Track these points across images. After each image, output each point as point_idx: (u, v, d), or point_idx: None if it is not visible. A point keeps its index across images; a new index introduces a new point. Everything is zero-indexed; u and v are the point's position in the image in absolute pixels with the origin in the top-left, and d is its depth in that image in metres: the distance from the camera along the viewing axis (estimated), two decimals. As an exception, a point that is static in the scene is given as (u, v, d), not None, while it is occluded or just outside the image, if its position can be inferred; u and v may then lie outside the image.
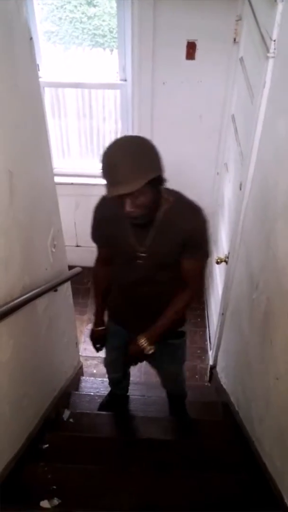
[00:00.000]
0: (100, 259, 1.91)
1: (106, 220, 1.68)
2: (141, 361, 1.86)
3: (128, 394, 2.62)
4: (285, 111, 1.62)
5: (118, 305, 1.93)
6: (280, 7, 1.64)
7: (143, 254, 1.65)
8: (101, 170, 1.41)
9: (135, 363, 1.88)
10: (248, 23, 2.41)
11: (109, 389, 2.82)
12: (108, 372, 2.38)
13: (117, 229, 1.64)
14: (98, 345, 2.10)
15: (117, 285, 1.88)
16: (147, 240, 1.62)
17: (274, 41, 1.72)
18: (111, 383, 2.50)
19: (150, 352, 1.75)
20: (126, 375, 2.46)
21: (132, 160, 1.36)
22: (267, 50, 1.76)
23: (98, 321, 2.04)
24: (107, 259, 1.85)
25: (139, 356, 1.79)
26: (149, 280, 1.72)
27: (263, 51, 1.83)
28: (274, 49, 1.73)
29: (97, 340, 2.08)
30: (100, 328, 2.05)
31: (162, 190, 1.53)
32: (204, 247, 1.66)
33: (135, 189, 1.36)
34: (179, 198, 1.61)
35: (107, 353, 2.21)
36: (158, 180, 1.44)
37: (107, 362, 2.30)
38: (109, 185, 1.40)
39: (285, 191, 1.60)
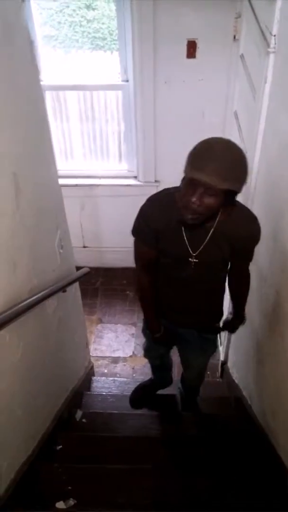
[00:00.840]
0: (144, 265, 1.80)
1: (155, 218, 1.62)
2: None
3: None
4: (287, 106, 1.62)
5: (167, 302, 1.91)
6: (279, 2, 1.65)
7: (195, 260, 1.63)
8: (194, 151, 1.38)
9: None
10: (247, 20, 2.42)
11: (121, 388, 2.86)
12: (148, 357, 2.42)
13: (170, 232, 1.61)
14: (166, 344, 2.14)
15: (165, 283, 1.85)
16: (201, 246, 1.60)
17: (274, 36, 1.73)
18: (154, 369, 2.53)
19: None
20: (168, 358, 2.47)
21: (232, 160, 1.35)
22: (268, 45, 1.77)
23: (157, 328, 1.97)
24: (152, 264, 1.77)
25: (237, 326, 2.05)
26: (198, 279, 1.72)
27: (263, 46, 1.84)
28: (275, 44, 1.75)
29: (164, 342, 2.06)
30: (162, 333, 1.98)
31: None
32: (253, 252, 1.70)
33: (218, 187, 1.33)
34: (238, 207, 1.56)
35: (148, 338, 2.18)
36: (233, 195, 1.42)
37: (148, 347, 2.28)
38: (196, 167, 1.34)
39: (290, 185, 1.61)
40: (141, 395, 2.60)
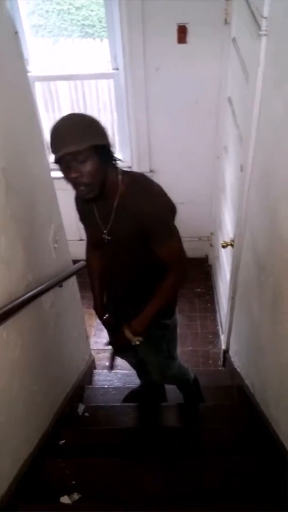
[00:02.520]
0: (88, 242, 1.90)
1: (78, 200, 1.73)
2: (127, 350, 1.86)
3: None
4: (281, 88, 1.59)
5: (106, 287, 1.93)
6: (269, -17, 1.60)
7: (107, 237, 1.64)
8: (50, 144, 1.41)
9: (122, 352, 1.91)
10: (238, 3, 2.36)
11: (123, 380, 2.85)
12: (127, 359, 2.36)
13: (87, 209, 1.67)
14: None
15: (104, 270, 1.88)
16: (109, 222, 1.61)
17: (266, 18, 1.69)
18: (135, 369, 2.46)
19: (137, 342, 1.73)
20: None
21: (76, 126, 1.40)
22: (259, 28, 1.73)
23: (101, 311, 1.96)
24: (92, 242, 1.86)
25: (125, 346, 1.78)
26: (117, 260, 1.72)
27: (255, 29, 1.80)
28: (266, 26, 1.70)
29: (111, 327, 1.96)
30: (106, 317, 1.96)
31: (115, 168, 1.53)
32: (168, 230, 1.58)
33: (81, 149, 1.36)
34: (134, 180, 1.56)
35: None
36: (104, 150, 1.43)
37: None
38: (54, 150, 1.39)
39: (285, 170, 1.58)
40: (131, 400, 2.56)
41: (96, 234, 1.68)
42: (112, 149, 1.47)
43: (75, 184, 1.45)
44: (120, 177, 1.54)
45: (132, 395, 2.59)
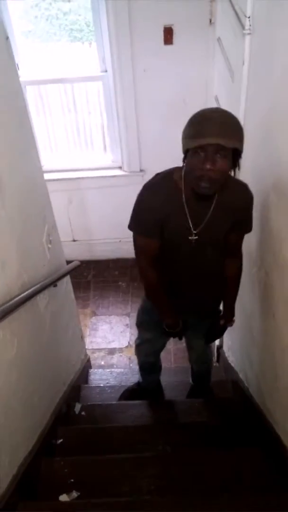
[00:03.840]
0: (150, 260, 1.72)
1: (158, 206, 1.57)
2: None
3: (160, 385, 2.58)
4: (266, 86, 1.63)
5: (175, 293, 1.84)
6: (251, -18, 1.64)
7: (195, 238, 1.62)
8: (190, 125, 1.39)
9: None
10: (222, 3, 2.41)
11: (118, 379, 2.87)
12: (142, 354, 2.34)
13: (171, 211, 1.57)
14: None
15: (170, 274, 1.80)
16: (204, 220, 1.59)
17: (249, 17, 1.73)
18: (143, 370, 2.45)
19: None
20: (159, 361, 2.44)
21: (231, 119, 1.37)
22: (243, 27, 1.77)
23: (174, 321, 1.89)
24: (153, 253, 1.70)
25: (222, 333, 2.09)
26: (199, 258, 1.70)
27: (239, 28, 1.84)
28: (250, 25, 1.74)
29: (181, 333, 1.97)
30: (179, 327, 1.92)
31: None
32: (251, 220, 1.70)
33: (231, 146, 1.33)
34: (228, 177, 1.52)
35: (146, 332, 2.14)
36: (238, 156, 1.40)
37: (144, 341, 2.21)
38: (201, 134, 1.33)
39: (274, 165, 1.62)
40: (129, 397, 2.58)
41: (177, 237, 1.63)
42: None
43: (202, 176, 1.39)
44: None
45: (128, 393, 2.61)
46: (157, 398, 2.55)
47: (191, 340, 2.21)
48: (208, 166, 1.35)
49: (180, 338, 2.01)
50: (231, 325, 2.02)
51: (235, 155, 1.39)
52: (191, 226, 1.59)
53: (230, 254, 1.80)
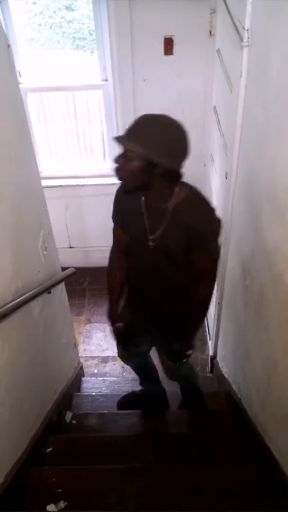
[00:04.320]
0: (117, 248, 1.87)
1: (127, 200, 1.67)
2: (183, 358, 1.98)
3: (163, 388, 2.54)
4: (262, 98, 1.63)
5: (133, 297, 1.92)
6: (250, -4, 1.66)
7: (152, 243, 1.66)
8: None
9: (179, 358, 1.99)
10: (222, 15, 2.43)
11: (111, 388, 2.85)
12: (130, 365, 2.38)
13: (134, 210, 1.66)
14: (122, 342, 2.06)
15: (131, 276, 1.88)
16: (159, 228, 1.63)
17: (247, 30, 1.74)
18: (139, 375, 2.46)
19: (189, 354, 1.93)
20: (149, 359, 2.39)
21: (150, 128, 1.43)
22: (241, 40, 1.78)
23: (115, 318, 1.98)
24: (123, 244, 1.82)
25: (183, 357, 1.96)
26: (159, 271, 1.73)
27: (237, 41, 1.85)
28: (248, 38, 1.75)
29: (121, 337, 2.03)
30: (118, 324, 1.97)
31: (174, 180, 1.55)
32: (214, 242, 1.65)
33: (128, 148, 1.42)
34: (193, 193, 1.61)
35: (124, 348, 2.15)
36: (157, 166, 1.44)
37: (124, 356, 2.25)
38: (124, 133, 1.46)
39: (268, 176, 1.62)
40: (130, 402, 2.56)
41: (138, 238, 1.69)
42: (172, 169, 1.49)
43: (115, 169, 1.51)
44: (178, 187, 1.58)
45: (132, 397, 2.57)
46: (160, 406, 2.52)
47: (162, 362, 2.18)
48: (115, 161, 1.49)
49: (126, 346, 2.06)
50: (187, 352, 1.93)
51: (151, 164, 1.43)
52: (148, 229, 1.65)
53: (196, 276, 1.72)
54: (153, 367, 2.41)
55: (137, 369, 2.42)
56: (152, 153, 1.41)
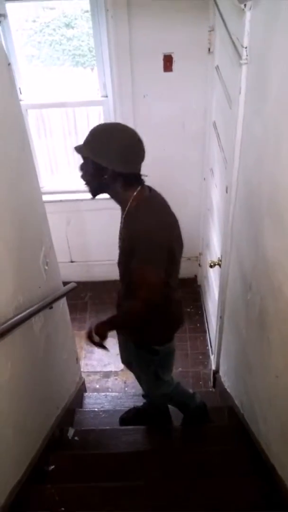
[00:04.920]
0: None
1: None
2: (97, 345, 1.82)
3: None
4: (261, 114, 1.65)
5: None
6: (248, 15, 1.68)
7: (119, 242, 1.80)
8: None
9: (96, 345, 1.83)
10: (220, 33, 2.47)
11: (113, 403, 2.83)
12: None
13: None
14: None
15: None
16: (122, 231, 1.77)
17: (246, 48, 1.76)
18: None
19: (97, 340, 1.78)
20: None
21: (97, 132, 1.61)
22: (240, 57, 1.80)
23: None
24: None
25: (89, 340, 1.81)
26: (119, 270, 1.85)
27: (236, 58, 1.87)
28: (246, 55, 1.77)
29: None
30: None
31: (134, 186, 1.66)
32: (146, 256, 1.58)
33: (77, 151, 1.62)
34: (145, 201, 1.68)
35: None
36: (103, 169, 1.58)
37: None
38: None
39: (268, 191, 1.63)
40: (132, 417, 2.55)
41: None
42: (117, 174, 1.60)
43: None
44: (134, 193, 1.67)
45: (134, 412, 2.56)
46: (162, 422, 2.49)
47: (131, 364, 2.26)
48: (79, 169, 1.69)
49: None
50: (88, 338, 1.81)
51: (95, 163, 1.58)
52: (120, 232, 1.79)
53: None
54: None
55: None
56: (100, 158, 1.57)
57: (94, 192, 1.71)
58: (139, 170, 1.65)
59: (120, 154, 1.57)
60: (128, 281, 1.77)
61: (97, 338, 1.77)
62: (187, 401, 2.39)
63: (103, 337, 1.77)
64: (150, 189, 1.73)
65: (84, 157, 1.63)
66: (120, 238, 1.79)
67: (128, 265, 1.66)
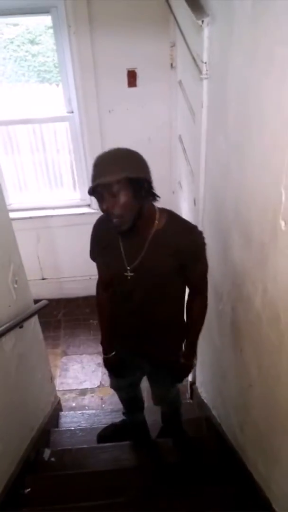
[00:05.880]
0: (100, 281, 1.85)
1: (102, 235, 1.69)
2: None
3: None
4: (223, 127, 1.69)
5: (121, 328, 1.87)
6: (206, 31, 1.73)
7: (130, 274, 1.62)
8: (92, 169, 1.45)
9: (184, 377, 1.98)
10: (181, 48, 2.52)
11: (90, 421, 2.78)
12: (120, 395, 2.30)
13: (111, 244, 1.63)
14: (116, 372, 2.04)
15: (115, 308, 1.83)
16: (137, 258, 1.59)
17: (205, 63, 1.80)
18: (126, 406, 2.39)
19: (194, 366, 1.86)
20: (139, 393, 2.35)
21: (112, 158, 1.44)
22: (200, 72, 1.84)
23: (108, 348, 1.95)
24: (107, 278, 1.79)
25: (187, 373, 1.95)
26: (139, 301, 1.69)
27: (197, 73, 1.92)
28: (206, 70, 1.81)
29: (113, 367, 2.01)
30: (112, 355, 1.94)
31: (152, 205, 1.55)
32: (204, 260, 1.64)
33: (114, 180, 1.37)
34: (173, 217, 1.61)
35: (116, 378, 2.12)
36: (142, 183, 1.43)
37: (117, 386, 2.22)
38: (93, 176, 1.42)
39: (233, 203, 1.66)
40: (111, 434, 2.50)
41: (116, 271, 1.65)
42: (150, 184, 1.47)
43: (109, 215, 1.45)
44: (157, 213, 1.57)
45: (112, 429, 2.50)
46: (142, 437, 2.45)
47: (151, 387, 2.12)
48: (104, 206, 1.43)
49: (119, 376, 2.05)
50: (191, 365, 1.93)
51: (136, 184, 1.41)
52: (125, 261, 1.61)
53: (190, 291, 1.77)
54: (141, 398, 2.37)
55: (126, 399, 2.34)
56: (133, 170, 1.41)
57: (133, 221, 1.48)
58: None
59: (145, 164, 1.47)
60: (162, 303, 1.71)
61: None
62: (179, 407, 2.38)
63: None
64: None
65: (110, 187, 1.39)
66: (139, 266, 1.61)
67: (172, 279, 1.64)
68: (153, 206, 1.56)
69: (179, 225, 1.61)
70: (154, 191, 1.50)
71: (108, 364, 1.99)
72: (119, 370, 2.01)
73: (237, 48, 1.43)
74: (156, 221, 1.56)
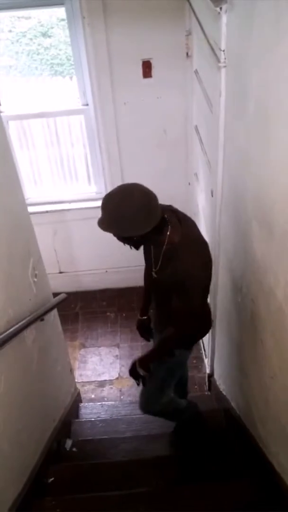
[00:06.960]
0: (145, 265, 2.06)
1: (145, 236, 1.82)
2: (136, 379, 1.97)
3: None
4: (242, 117, 1.66)
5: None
6: (224, 18, 1.69)
7: (154, 274, 1.84)
8: None
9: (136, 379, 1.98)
10: (197, 37, 2.48)
11: (110, 412, 2.81)
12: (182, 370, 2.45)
13: (148, 247, 1.86)
14: (145, 335, 2.23)
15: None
16: (157, 264, 1.80)
17: (223, 51, 1.77)
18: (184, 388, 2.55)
19: (142, 374, 1.91)
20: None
21: (107, 209, 1.60)
22: (218, 60, 1.81)
23: (142, 311, 2.18)
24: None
25: (132, 375, 1.96)
26: (155, 296, 1.99)
27: (214, 61, 1.88)
28: (224, 58, 1.78)
29: (142, 329, 2.20)
30: (144, 318, 2.17)
31: (164, 220, 1.68)
32: (190, 294, 1.69)
33: (103, 230, 1.61)
34: (183, 240, 1.70)
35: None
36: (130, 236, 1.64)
37: (186, 359, 2.33)
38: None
39: (253, 193, 1.64)
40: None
41: (148, 267, 1.92)
42: (138, 233, 1.62)
43: None
44: (168, 233, 1.70)
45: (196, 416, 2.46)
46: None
47: None
48: None
49: (146, 338, 2.24)
50: (135, 363, 1.92)
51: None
52: (153, 262, 1.82)
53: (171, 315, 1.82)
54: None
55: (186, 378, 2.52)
56: (118, 231, 1.62)
57: (136, 247, 1.75)
58: (161, 215, 1.65)
59: (137, 220, 1.58)
60: (164, 309, 1.88)
61: (141, 372, 1.90)
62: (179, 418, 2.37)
63: (147, 370, 1.90)
64: (179, 220, 1.75)
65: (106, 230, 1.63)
66: (157, 271, 1.81)
67: (168, 294, 1.79)
68: (165, 222, 1.69)
69: (182, 253, 1.69)
70: (155, 228, 1.62)
71: (140, 325, 2.19)
72: (148, 332, 2.20)
73: (258, 34, 1.40)
74: (166, 239, 1.71)
